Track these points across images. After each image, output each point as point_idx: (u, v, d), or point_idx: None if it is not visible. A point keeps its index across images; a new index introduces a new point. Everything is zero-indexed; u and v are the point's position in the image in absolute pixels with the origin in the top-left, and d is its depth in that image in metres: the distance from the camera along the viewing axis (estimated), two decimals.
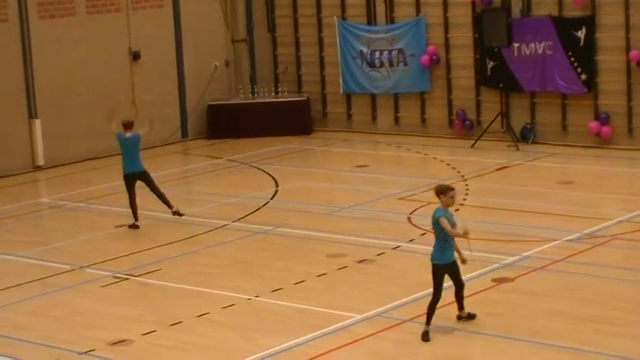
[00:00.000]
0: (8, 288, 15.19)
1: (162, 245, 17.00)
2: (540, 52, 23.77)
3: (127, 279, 15.37)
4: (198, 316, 13.55)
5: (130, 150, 18.16)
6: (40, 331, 13.37)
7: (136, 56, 25.47)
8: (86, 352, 12.49)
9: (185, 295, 14.53)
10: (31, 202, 20.75)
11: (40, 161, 23.67)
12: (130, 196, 18.15)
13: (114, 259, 16.41)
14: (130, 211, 18.17)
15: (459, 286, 12.63)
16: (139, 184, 18.23)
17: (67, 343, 12.80)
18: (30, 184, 22.71)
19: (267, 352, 12.16)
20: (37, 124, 23.58)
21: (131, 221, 18.13)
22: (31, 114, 23.64)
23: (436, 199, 12.46)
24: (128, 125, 18.30)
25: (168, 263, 16.07)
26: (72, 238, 17.81)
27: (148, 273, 15.57)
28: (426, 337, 12.20)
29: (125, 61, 25.35)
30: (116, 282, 15.28)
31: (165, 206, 18.19)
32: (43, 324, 13.68)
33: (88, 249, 17.19)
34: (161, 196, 18.25)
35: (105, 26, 24.91)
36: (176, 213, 18.18)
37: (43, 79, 23.76)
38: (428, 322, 12.26)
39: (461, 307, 12.72)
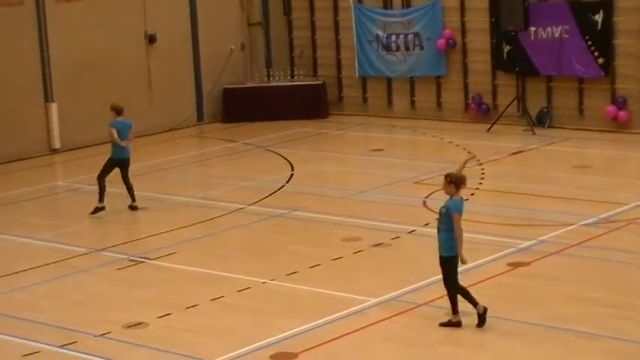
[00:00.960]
0: (25, 270, 15.26)
1: (178, 228, 17.04)
2: (557, 35, 23.67)
3: (142, 262, 15.42)
4: (213, 299, 13.59)
5: (123, 136, 18.07)
6: (56, 313, 13.44)
7: (151, 39, 25.49)
8: (102, 334, 12.55)
9: (200, 279, 14.56)
10: (48, 185, 20.82)
11: (57, 144, 23.74)
12: (102, 177, 18.08)
13: (130, 242, 16.46)
14: (126, 193, 18.36)
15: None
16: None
17: (83, 326, 12.85)
18: (46, 167, 22.79)
19: (281, 335, 12.19)
20: (54, 107, 23.64)
21: (128, 203, 18.26)
22: (47, 97, 23.70)
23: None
24: (119, 111, 18.17)
25: (184, 246, 16.11)
26: (88, 221, 17.87)
27: (163, 256, 15.62)
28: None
29: (141, 44, 25.37)
30: (132, 265, 15.33)
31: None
32: (59, 306, 13.75)
33: (104, 232, 17.25)
34: (129, 188, 18.31)
35: (121, 9, 24.92)
36: (133, 207, 18.25)
37: (59, 62, 23.80)
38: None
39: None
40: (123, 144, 18.08)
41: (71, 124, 23.80)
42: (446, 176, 12.12)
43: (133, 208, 18.31)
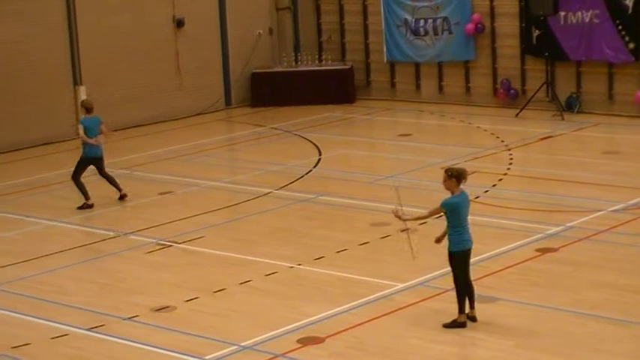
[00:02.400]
0: (54, 254, 15.35)
1: (206, 213, 17.07)
2: (587, 20, 23.50)
3: (170, 246, 15.46)
4: (240, 283, 13.62)
5: (93, 133, 17.74)
6: (84, 296, 13.51)
7: (179, 24, 25.51)
8: (130, 317, 12.61)
9: (228, 263, 14.60)
10: None
11: None
12: (77, 177, 17.75)
13: (157, 226, 16.50)
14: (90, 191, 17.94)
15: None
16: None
17: (111, 309, 12.92)
18: (74, 151, 22.68)
19: (308, 319, 12.20)
20: (82, 90, 23.73)
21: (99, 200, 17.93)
22: (76, 81, 23.79)
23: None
24: (89, 108, 17.86)
25: (211, 231, 16.14)
26: (116, 205, 17.93)
27: (191, 240, 15.66)
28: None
29: (169, 28, 25.41)
30: (160, 249, 15.38)
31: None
32: (87, 290, 13.82)
33: (132, 216, 17.31)
34: (111, 180, 18.00)
35: None
36: (122, 196, 17.95)
37: (87, 46, 23.88)
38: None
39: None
40: (92, 141, 17.68)
41: (99, 108, 23.78)
42: (446, 170, 11.84)
43: (122, 197, 17.94)
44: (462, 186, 11.73)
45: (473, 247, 11.91)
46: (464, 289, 11.78)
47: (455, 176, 11.70)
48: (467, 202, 11.83)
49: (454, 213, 11.69)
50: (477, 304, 12.10)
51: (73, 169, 18.01)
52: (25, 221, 17.26)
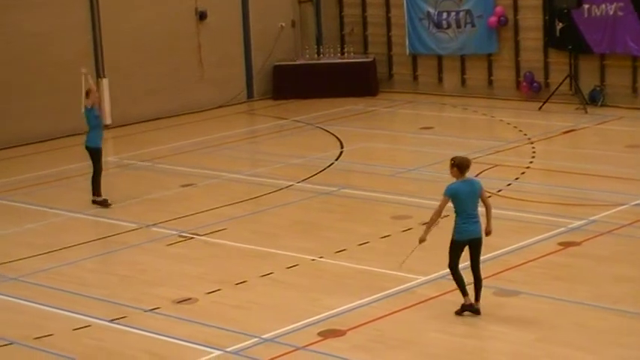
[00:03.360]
0: (76, 245, 15.40)
1: (227, 205, 17.09)
2: (611, 13, 23.38)
3: (192, 238, 15.49)
4: (261, 275, 13.63)
5: (94, 122, 17.49)
6: (106, 288, 13.55)
7: (202, 16, 25.53)
8: (151, 309, 12.64)
9: (249, 255, 14.61)
10: None
11: (107, 120, 23.78)
12: (97, 171, 17.36)
13: (179, 218, 16.53)
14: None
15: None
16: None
17: (132, 301, 12.96)
18: None
19: (329, 312, 12.20)
20: (105, 83, 23.78)
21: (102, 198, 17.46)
22: (99, 73, 23.84)
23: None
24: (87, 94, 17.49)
25: (233, 223, 16.16)
26: (138, 197, 17.97)
27: (213, 232, 15.68)
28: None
29: (191, 21, 25.43)
30: (182, 241, 15.40)
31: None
32: (109, 281, 13.87)
33: (154, 208, 17.33)
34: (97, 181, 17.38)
35: None
36: (104, 203, 17.24)
37: (110, 38, 23.93)
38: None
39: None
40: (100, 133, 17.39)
41: (122, 100, 23.94)
42: (451, 159, 11.92)
43: (104, 202, 17.31)
44: (470, 175, 11.78)
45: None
46: (453, 274, 11.79)
47: (456, 165, 11.82)
48: (472, 190, 11.79)
49: (455, 199, 11.75)
50: (498, 298, 12.10)
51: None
52: (47, 213, 17.33)
